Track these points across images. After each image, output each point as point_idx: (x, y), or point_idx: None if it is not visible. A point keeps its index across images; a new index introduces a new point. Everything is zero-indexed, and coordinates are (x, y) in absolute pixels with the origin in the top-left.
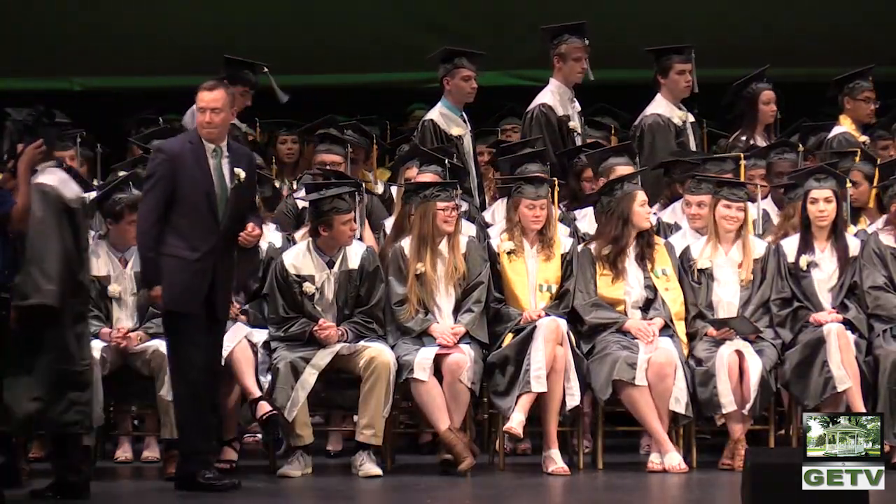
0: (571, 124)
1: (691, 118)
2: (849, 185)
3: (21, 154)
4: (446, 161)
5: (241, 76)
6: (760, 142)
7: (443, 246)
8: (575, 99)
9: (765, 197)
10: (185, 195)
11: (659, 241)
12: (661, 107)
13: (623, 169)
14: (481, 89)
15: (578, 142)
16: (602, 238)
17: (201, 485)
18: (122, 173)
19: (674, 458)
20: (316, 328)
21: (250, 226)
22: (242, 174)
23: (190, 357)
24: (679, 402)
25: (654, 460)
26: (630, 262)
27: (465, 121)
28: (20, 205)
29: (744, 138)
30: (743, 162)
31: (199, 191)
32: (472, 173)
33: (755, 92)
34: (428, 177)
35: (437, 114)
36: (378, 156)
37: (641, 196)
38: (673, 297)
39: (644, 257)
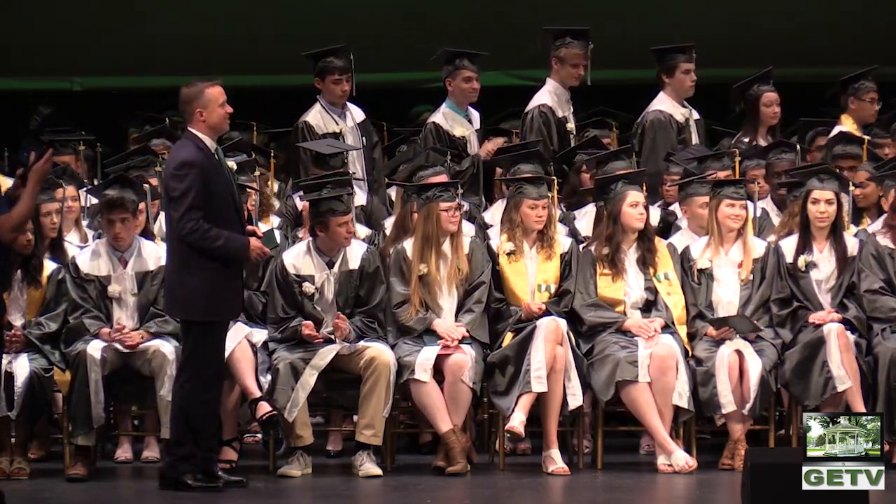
0: (569, 126)
1: (696, 115)
2: (852, 187)
3: (33, 164)
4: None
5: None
6: (763, 143)
7: (446, 246)
8: (570, 101)
9: (763, 196)
10: (213, 203)
11: (661, 244)
12: (663, 104)
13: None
14: (486, 89)
15: (574, 144)
16: (599, 237)
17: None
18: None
19: (680, 457)
20: (307, 332)
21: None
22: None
23: (216, 364)
24: (682, 396)
25: (662, 462)
26: (630, 264)
27: (470, 121)
28: (15, 215)
29: (746, 139)
30: (738, 159)
31: (226, 193)
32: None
33: (756, 93)
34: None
35: (440, 116)
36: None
37: (633, 196)
38: (674, 301)
39: (646, 261)
